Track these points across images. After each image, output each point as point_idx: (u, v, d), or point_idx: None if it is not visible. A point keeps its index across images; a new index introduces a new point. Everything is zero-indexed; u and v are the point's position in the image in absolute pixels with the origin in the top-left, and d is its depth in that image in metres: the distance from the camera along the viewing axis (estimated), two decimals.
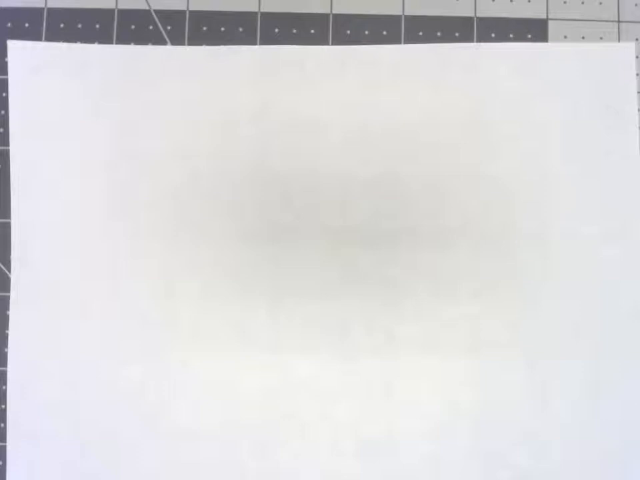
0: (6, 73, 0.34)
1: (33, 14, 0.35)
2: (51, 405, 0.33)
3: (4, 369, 0.33)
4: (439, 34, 0.35)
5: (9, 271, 0.34)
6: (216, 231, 0.34)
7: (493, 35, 0.35)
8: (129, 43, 0.35)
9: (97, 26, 0.35)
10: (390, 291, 0.33)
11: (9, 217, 0.34)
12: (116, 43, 0.35)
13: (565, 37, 0.35)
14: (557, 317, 0.33)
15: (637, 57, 0.35)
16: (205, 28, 0.35)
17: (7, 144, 0.34)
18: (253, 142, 0.34)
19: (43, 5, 0.35)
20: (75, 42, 0.35)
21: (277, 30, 0.35)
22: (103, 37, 0.35)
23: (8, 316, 0.34)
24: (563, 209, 0.34)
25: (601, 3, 0.36)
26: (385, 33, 0.35)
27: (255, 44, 0.35)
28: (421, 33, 0.35)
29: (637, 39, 0.35)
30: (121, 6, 0.35)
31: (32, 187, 0.34)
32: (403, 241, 0.34)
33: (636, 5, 0.36)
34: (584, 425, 0.33)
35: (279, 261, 0.33)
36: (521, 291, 0.33)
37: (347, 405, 0.33)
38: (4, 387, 0.33)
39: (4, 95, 0.35)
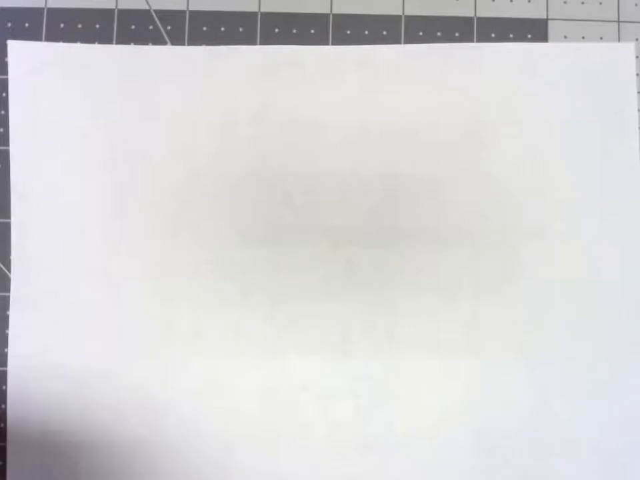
0: (6, 73, 0.34)
1: (33, 14, 0.35)
2: (50, 405, 0.33)
3: (4, 369, 0.33)
4: (439, 34, 0.35)
5: (9, 271, 0.34)
6: (216, 231, 0.34)
7: (492, 35, 0.35)
8: (128, 43, 0.35)
9: (97, 26, 0.35)
10: (390, 291, 0.33)
11: (8, 217, 0.34)
12: (116, 43, 0.35)
13: (565, 37, 0.35)
14: (557, 317, 0.33)
15: (637, 57, 0.35)
16: (204, 28, 0.35)
17: (7, 144, 0.34)
18: (252, 142, 0.34)
19: (43, 5, 0.35)
20: (75, 42, 0.35)
21: (277, 30, 0.35)
22: (103, 37, 0.35)
23: (8, 316, 0.34)
24: (562, 209, 0.34)
25: (600, 3, 0.36)
26: (384, 33, 0.35)
27: (255, 44, 0.35)
28: (421, 33, 0.35)
29: (637, 39, 0.35)
30: (121, 6, 0.35)
31: (32, 187, 0.34)
32: (403, 240, 0.34)
33: (636, 4, 0.36)
34: (584, 424, 0.33)
35: (279, 261, 0.33)
36: (521, 291, 0.33)
37: (347, 405, 0.33)
38: (4, 387, 0.33)
39: (4, 95, 0.35)
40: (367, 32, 0.35)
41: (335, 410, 0.33)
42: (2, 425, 0.33)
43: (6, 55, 0.34)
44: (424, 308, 0.33)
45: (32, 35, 0.35)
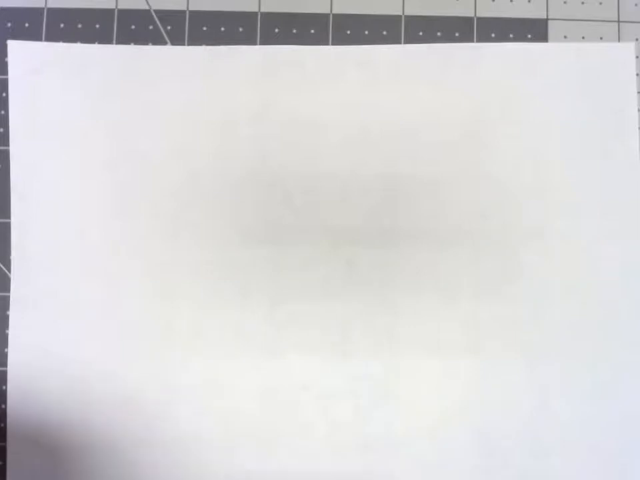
0: (6, 73, 0.34)
1: (33, 14, 0.35)
2: (50, 405, 0.33)
3: (4, 369, 0.33)
4: (439, 34, 0.35)
5: (9, 271, 0.34)
6: (216, 231, 0.34)
7: (492, 35, 0.35)
8: (128, 43, 0.35)
9: (97, 26, 0.35)
10: (390, 291, 0.33)
11: (8, 217, 0.34)
12: (116, 43, 0.35)
13: (565, 37, 0.35)
14: (557, 317, 0.33)
15: (637, 57, 0.35)
16: (204, 28, 0.35)
17: (7, 144, 0.34)
18: (252, 142, 0.34)
19: (43, 5, 0.35)
20: (75, 42, 0.35)
21: (277, 30, 0.35)
22: (103, 37, 0.35)
23: (8, 316, 0.34)
24: (562, 209, 0.34)
25: (600, 3, 0.36)
26: (384, 32, 0.35)
27: (255, 44, 0.35)
28: (421, 33, 0.35)
29: (637, 39, 0.35)
30: (121, 6, 0.35)
31: (32, 187, 0.34)
32: (403, 240, 0.34)
33: (636, 4, 0.36)
34: (584, 424, 0.33)
35: (279, 261, 0.33)
36: (521, 291, 0.33)
37: (347, 405, 0.33)
38: (4, 387, 0.33)
39: (4, 95, 0.35)
40: (367, 32, 0.35)
41: (334, 410, 0.33)
42: (2, 425, 0.33)
43: (6, 55, 0.34)
44: (424, 308, 0.33)
45: (32, 35, 0.35)
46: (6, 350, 0.33)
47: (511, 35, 0.35)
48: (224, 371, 0.33)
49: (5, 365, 0.33)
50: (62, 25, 0.35)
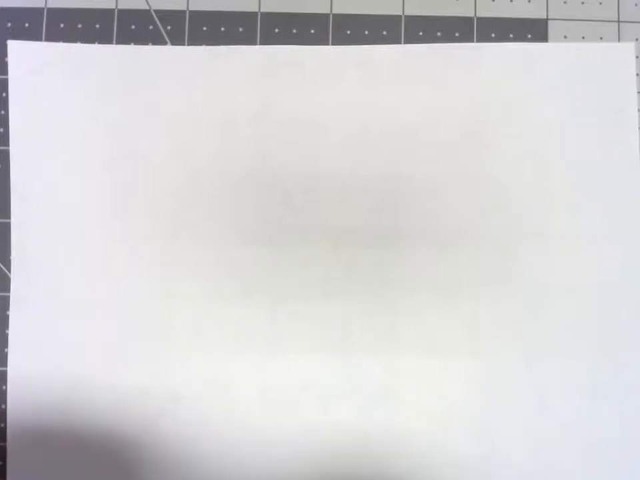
0: (6, 73, 0.34)
1: (33, 14, 0.35)
2: (50, 405, 0.33)
3: (4, 369, 0.33)
4: (439, 34, 0.35)
5: (9, 271, 0.34)
6: (216, 230, 0.34)
7: (492, 35, 0.35)
8: (128, 43, 0.35)
9: (97, 26, 0.35)
10: (390, 291, 0.33)
11: (8, 217, 0.34)
12: (116, 43, 0.35)
13: (565, 37, 0.35)
14: (557, 317, 0.33)
15: (637, 57, 0.35)
16: (204, 28, 0.35)
17: (7, 144, 0.34)
18: (252, 142, 0.34)
19: (43, 5, 0.35)
20: (75, 42, 0.35)
21: (277, 30, 0.35)
22: (103, 37, 0.35)
23: (8, 316, 0.34)
24: (562, 209, 0.34)
25: (600, 3, 0.36)
26: (384, 33, 0.35)
27: (255, 44, 0.35)
28: (421, 33, 0.35)
29: (637, 39, 0.35)
30: (121, 6, 0.35)
31: (32, 187, 0.34)
32: (403, 240, 0.34)
33: (636, 4, 0.36)
34: (584, 424, 0.33)
35: (279, 261, 0.33)
36: (521, 291, 0.33)
37: (346, 405, 0.33)
38: (4, 387, 0.33)
39: (4, 95, 0.35)
40: (366, 32, 0.35)
41: (334, 410, 0.33)
42: (2, 425, 0.33)
43: (6, 55, 0.34)
44: (424, 308, 0.33)
45: (32, 35, 0.35)
46: (6, 350, 0.33)
47: (511, 35, 0.35)
48: (224, 370, 0.33)
49: (5, 365, 0.33)
50: (62, 25, 0.35)
